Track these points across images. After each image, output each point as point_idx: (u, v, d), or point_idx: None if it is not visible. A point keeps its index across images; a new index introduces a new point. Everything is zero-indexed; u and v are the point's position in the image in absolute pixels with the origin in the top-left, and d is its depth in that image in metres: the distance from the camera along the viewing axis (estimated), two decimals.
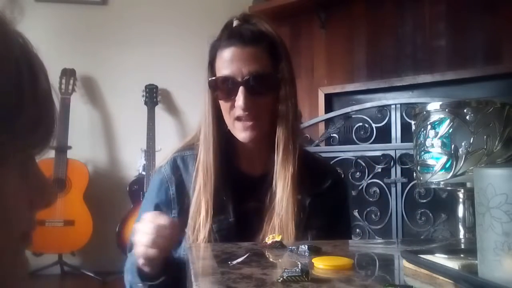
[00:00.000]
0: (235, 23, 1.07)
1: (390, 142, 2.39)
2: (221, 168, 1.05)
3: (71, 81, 2.98)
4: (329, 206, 1.09)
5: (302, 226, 1.00)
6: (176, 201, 1.09)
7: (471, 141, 0.60)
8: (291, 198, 1.01)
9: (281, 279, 0.54)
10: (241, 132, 1.04)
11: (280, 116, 1.04)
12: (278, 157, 1.03)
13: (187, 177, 1.09)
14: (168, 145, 1.21)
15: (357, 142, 2.50)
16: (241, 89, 1.00)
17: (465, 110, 0.61)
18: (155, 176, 1.15)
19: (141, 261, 0.94)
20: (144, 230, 0.91)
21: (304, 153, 1.11)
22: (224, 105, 1.05)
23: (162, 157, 1.17)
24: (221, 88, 1.03)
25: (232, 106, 1.03)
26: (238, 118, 1.04)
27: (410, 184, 2.27)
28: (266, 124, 1.05)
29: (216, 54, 1.05)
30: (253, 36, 1.03)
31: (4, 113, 0.34)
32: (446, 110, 0.62)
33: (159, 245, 0.90)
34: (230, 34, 1.04)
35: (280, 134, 1.04)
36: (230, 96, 1.02)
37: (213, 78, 1.05)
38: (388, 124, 2.41)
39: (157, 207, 1.10)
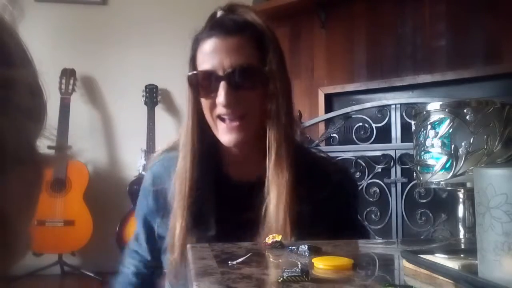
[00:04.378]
0: (219, 13, 0.97)
1: (390, 142, 2.39)
2: (201, 177, 0.94)
3: (71, 81, 2.98)
4: (334, 210, 0.96)
5: (305, 233, 0.87)
6: (156, 213, 1.02)
7: (471, 141, 0.60)
8: (287, 209, 0.88)
9: (281, 279, 0.54)
10: (224, 135, 0.92)
11: (271, 116, 0.92)
12: (270, 163, 0.91)
13: (170, 184, 0.97)
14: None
15: (357, 142, 2.50)
16: (222, 84, 0.89)
17: (465, 110, 0.60)
18: (142, 185, 1.07)
19: None
20: None
21: (304, 152, 1.00)
22: (205, 104, 0.93)
23: (151, 159, 1.10)
24: (202, 84, 0.92)
25: (214, 104, 0.91)
26: (221, 119, 0.92)
27: (410, 184, 2.27)
28: (253, 125, 0.93)
29: (197, 48, 0.94)
30: (236, 25, 0.91)
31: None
32: (446, 110, 0.62)
33: None
34: (212, 25, 0.93)
35: (271, 137, 0.91)
36: (210, 92, 0.91)
37: (192, 73, 0.93)
38: (388, 124, 2.41)
39: (145, 219, 1.05)
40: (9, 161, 0.33)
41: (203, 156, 0.95)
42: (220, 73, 0.89)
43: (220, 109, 0.90)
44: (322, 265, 0.62)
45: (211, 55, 0.90)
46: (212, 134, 0.95)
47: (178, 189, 0.94)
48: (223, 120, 0.92)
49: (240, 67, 0.89)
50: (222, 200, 0.95)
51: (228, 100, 0.88)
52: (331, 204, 0.95)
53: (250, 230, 0.89)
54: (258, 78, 0.91)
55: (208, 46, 0.91)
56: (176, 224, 0.93)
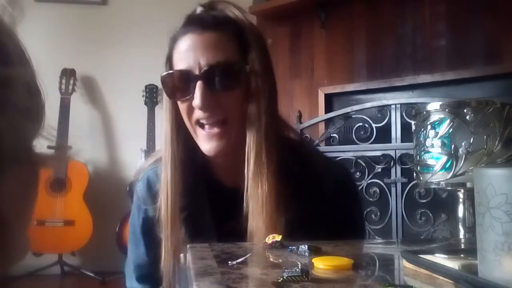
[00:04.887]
0: (198, 10, 0.89)
1: (390, 142, 2.39)
2: (187, 188, 0.87)
3: (71, 81, 2.99)
4: (331, 218, 0.87)
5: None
6: (157, 221, 0.92)
7: (471, 141, 0.60)
8: (270, 221, 0.81)
9: (281, 279, 0.54)
10: (204, 143, 0.84)
11: (250, 118, 0.83)
12: (249, 172, 0.82)
13: None
14: None
15: (357, 142, 2.50)
16: (198, 84, 0.80)
17: (465, 110, 0.60)
18: (134, 196, 0.99)
19: None
20: None
21: (300, 156, 0.90)
22: (182, 108, 0.85)
23: (138, 170, 1.03)
24: (177, 86, 0.84)
25: (191, 108, 0.83)
26: (200, 125, 0.84)
27: (410, 184, 2.27)
28: (236, 131, 0.84)
29: (174, 46, 0.87)
30: (214, 20, 0.83)
31: None
32: (446, 110, 0.62)
33: None
34: (189, 22, 0.86)
35: (250, 142, 0.83)
36: (187, 94, 0.82)
37: (166, 73, 0.85)
38: (388, 124, 2.41)
39: (145, 231, 0.98)
40: (6, 161, 0.33)
41: (186, 165, 0.87)
42: (196, 72, 0.81)
43: (198, 113, 0.83)
44: (322, 265, 0.62)
45: (186, 53, 0.83)
46: (194, 141, 0.87)
47: (164, 202, 0.87)
48: (202, 126, 0.85)
49: (218, 65, 0.80)
50: (216, 208, 0.89)
51: (205, 102, 0.80)
52: (330, 211, 0.87)
53: (239, 239, 0.82)
54: (238, 78, 0.83)
55: (184, 43, 0.84)
56: (161, 248, 0.87)
